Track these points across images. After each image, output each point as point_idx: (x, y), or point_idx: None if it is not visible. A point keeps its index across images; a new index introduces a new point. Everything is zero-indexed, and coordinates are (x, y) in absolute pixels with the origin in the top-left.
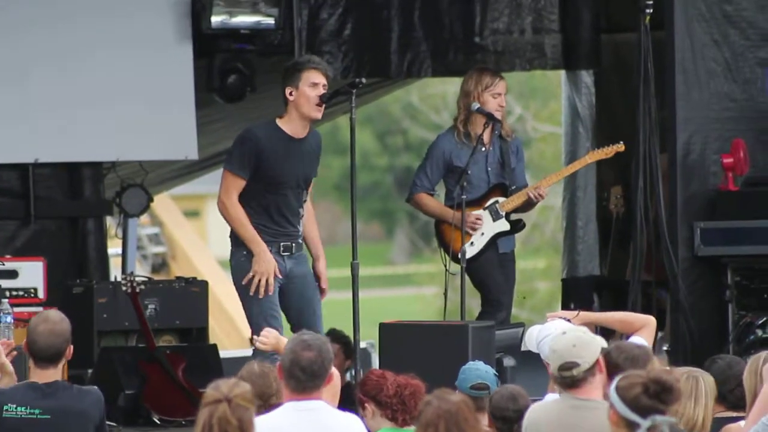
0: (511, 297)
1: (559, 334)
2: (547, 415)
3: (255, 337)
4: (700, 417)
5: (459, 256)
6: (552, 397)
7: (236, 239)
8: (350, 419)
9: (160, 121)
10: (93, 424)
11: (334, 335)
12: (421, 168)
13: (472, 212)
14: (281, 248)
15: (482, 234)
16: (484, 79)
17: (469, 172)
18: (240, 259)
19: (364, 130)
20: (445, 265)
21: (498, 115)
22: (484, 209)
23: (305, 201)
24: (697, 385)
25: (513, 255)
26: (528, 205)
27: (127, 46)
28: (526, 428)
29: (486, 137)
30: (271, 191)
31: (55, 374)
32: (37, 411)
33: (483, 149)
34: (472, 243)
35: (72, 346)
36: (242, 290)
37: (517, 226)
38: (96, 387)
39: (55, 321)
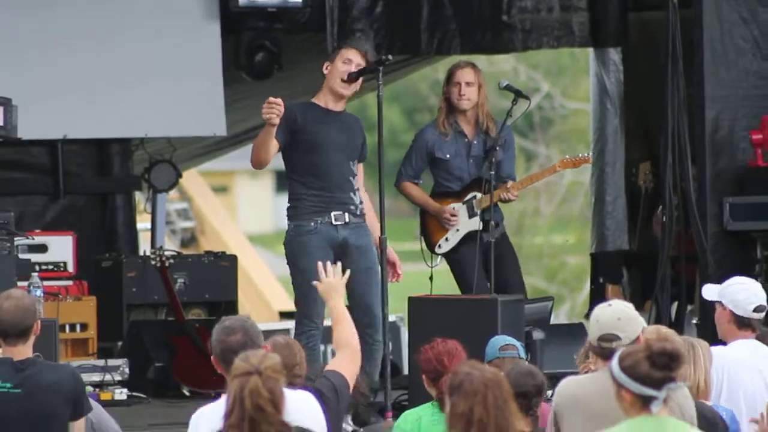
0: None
1: (604, 305)
2: (586, 389)
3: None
4: (702, 380)
5: (435, 250)
6: None
7: (289, 214)
8: (302, 397)
9: (189, 97)
10: (65, 398)
11: None
12: (406, 158)
13: (448, 206)
14: (333, 218)
15: (457, 230)
16: (449, 72)
17: (497, 158)
18: (289, 233)
19: (392, 107)
20: (426, 256)
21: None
22: (463, 203)
23: (356, 175)
24: (695, 351)
25: (505, 237)
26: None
27: (156, 23)
28: (559, 404)
29: (468, 130)
30: (313, 153)
31: (25, 350)
32: (8, 385)
33: (466, 140)
34: (447, 239)
35: (40, 321)
36: (292, 263)
37: (494, 228)
38: (69, 363)
39: (19, 297)
